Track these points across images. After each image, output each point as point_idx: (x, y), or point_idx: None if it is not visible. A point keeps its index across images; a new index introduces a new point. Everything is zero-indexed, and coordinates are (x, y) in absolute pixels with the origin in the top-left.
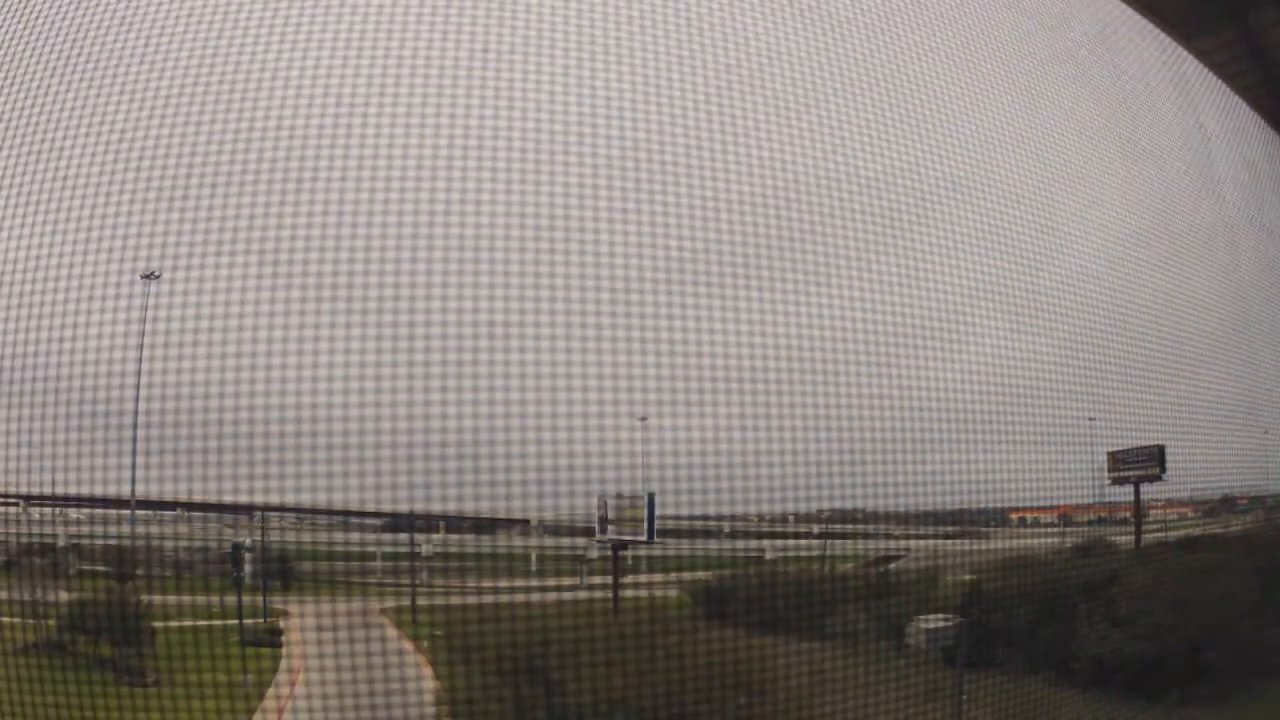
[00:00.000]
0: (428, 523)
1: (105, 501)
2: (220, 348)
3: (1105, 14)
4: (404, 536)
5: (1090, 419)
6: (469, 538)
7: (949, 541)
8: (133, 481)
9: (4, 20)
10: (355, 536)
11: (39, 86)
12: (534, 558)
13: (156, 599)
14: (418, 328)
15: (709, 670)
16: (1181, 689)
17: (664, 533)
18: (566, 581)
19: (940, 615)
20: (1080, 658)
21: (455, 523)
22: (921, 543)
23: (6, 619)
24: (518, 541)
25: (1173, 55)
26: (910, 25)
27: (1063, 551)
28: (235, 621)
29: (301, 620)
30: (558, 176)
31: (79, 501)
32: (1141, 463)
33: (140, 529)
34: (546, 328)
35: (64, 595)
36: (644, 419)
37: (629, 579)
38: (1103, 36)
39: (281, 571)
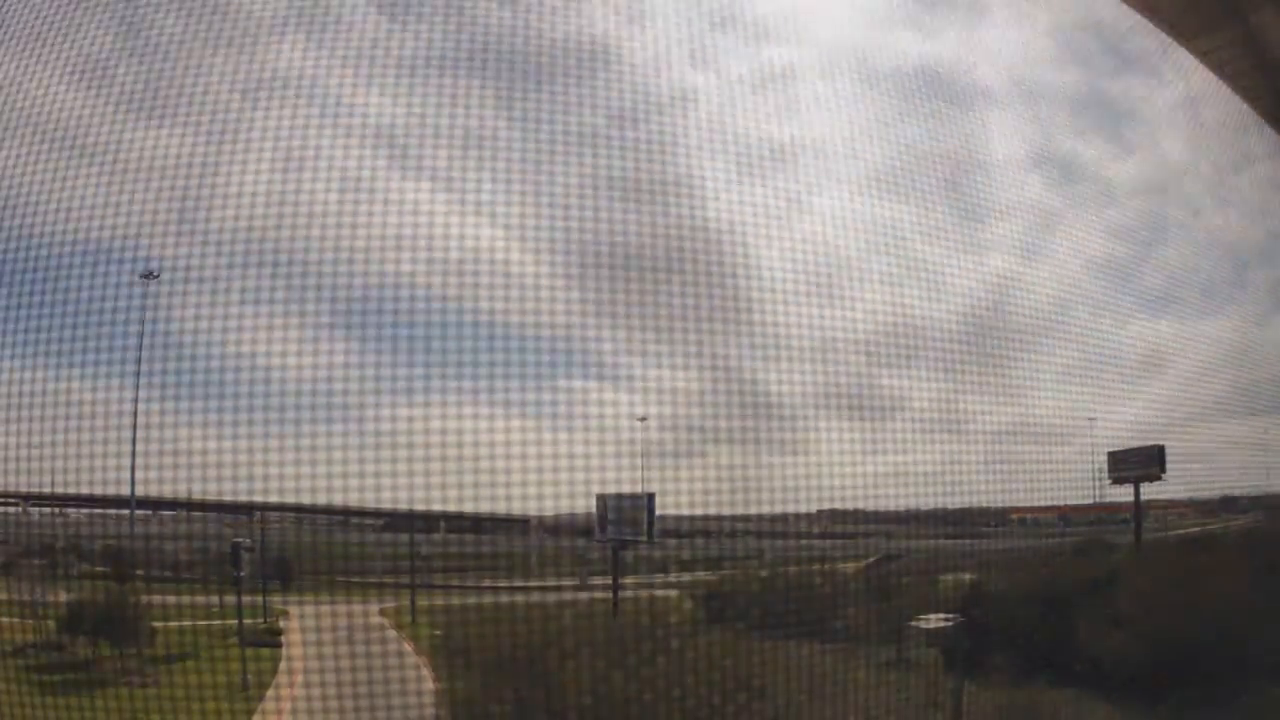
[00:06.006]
0: (428, 523)
1: (105, 501)
2: (220, 348)
3: (1105, 14)
4: (404, 536)
5: (1090, 419)
6: (469, 538)
7: (949, 541)
8: (132, 482)
9: (5, 19)
10: (355, 536)
11: (39, 86)
12: (534, 558)
13: (156, 599)
14: (418, 328)
15: (708, 671)
16: (1182, 690)
17: (664, 533)
18: (567, 582)
19: (939, 615)
20: (1079, 658)
21: (455, 523)
22: (921, 543)
23: (5, 619)
24: (518, 541)
25: (1173, 55)
26: (907, 26)
27: (1062, 551)
28: (235, 621)
29: (301, 621)
30: (558, 176)
31: (79, 501)
32: (1141, 463)
33: (140, 529)
34: (547, 328)
35: (63, 596)
36: (643, 419)
37: (629, 579)
38: (1102, 37)
39: (281, 571)
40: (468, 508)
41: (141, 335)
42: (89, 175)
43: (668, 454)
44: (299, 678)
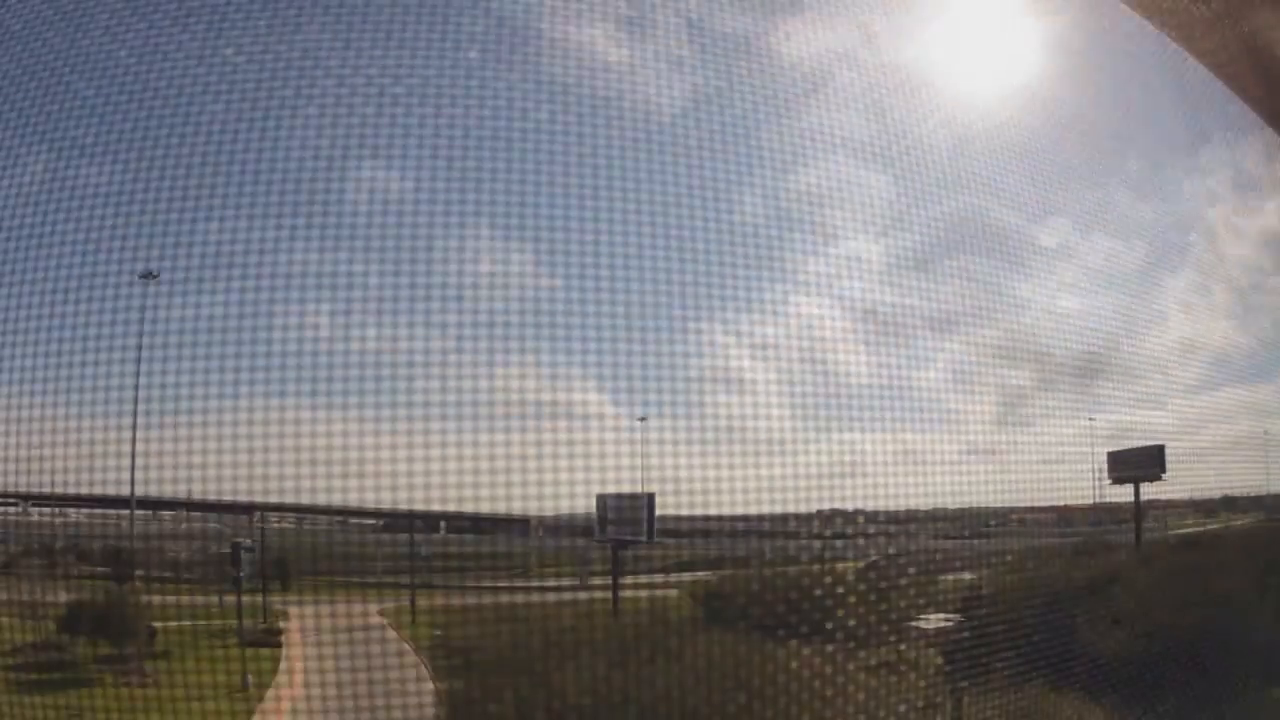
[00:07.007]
0: (428, 523)
1: (105, 501)
2: (220, 348)
3: (1104, 13)
4: (404, 536)
5: (1090, 419)
6: (469, 537)
7: (948, 541)
8: (132, 482)
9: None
10: (355, 536)
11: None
12: (534, 558)
13: (155, 599)
14: (417, 327)
15: (708, 671)
16: (1182, 691)
17: (664, 532)
18: (566, 582)
19: (939, 616)
20: (1079, 660)
21: (455, 523)
22: (920, 544)
23: (5, 619)
24: (518, 541)
25: (1173, 55)
26: (899, 22)
27: (1062, 552)
28: (234, 621)
29: (301, 621)
30: (558, 174)
31: (79, 501)
32: (1141, 463)
33: (140, 529)
34: (547, 327)
35: (61, 595)
36: (643, 419)
37: (629, 579)
38: (1101, 36)
39: (281, 572)
40: (467, 508)
41: (141, 334)
42: (88, 170)
43: (667, 453)
44: (299, 677)
